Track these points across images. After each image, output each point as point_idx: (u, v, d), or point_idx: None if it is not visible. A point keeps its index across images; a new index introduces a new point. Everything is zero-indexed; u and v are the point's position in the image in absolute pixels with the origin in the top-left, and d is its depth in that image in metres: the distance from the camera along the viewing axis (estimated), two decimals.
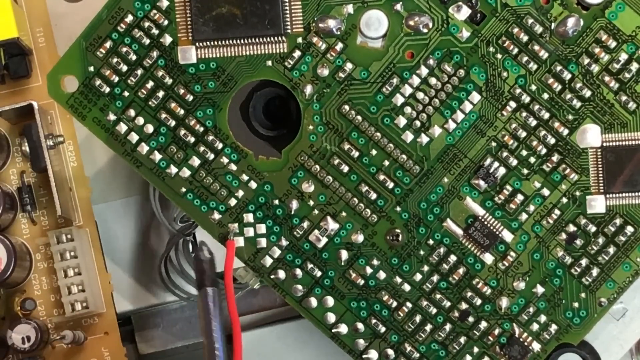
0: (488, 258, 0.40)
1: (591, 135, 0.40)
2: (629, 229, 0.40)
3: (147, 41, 0.40)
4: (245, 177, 0.40)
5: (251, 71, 0.40)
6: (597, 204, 0.40)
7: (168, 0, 0.39)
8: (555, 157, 0.40)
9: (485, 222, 0.40)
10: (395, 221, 0.40)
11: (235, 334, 0.39)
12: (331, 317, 0.41)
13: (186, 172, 0.40)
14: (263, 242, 0.41)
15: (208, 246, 0.40)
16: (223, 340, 0.38)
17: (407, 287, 0.41)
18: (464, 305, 0.40)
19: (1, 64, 0.43)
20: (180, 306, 0.48)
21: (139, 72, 0.40)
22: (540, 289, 0.40)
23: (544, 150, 0.40)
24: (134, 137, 0.40)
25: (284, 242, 0.40)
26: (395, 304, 0.41)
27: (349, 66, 0.40)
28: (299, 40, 0.40)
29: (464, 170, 0.40)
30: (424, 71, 0.39)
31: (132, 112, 0.40)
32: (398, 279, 0.40)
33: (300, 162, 0.40)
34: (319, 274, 0.41)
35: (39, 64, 0.44)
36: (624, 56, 0.39)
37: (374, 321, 0.41)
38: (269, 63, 0.40)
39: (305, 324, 0.43)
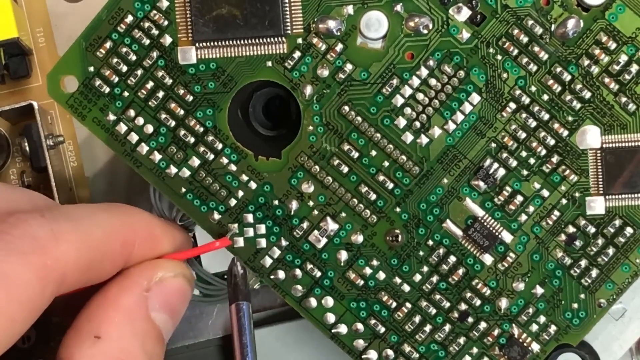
0: (487, 259, 0.40)
1: (591, 137, 0.40)
2: (629, 230, 0.40)
3: (147, 41, 0.40)
4: (245, 178, 0.40)
5: (251, 72, 0.40)
6: (597, 205, 0.40)
7: (168, 0, 0.39)
8: (555, 158, 0.40)
9: (485, 223, 0.40)
10: (395, 222, 0.40)
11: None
12: (331, 318, 0.41)
13: (186, 173, 0.40)
14: (263, 242, 0.41)
15: (241, 261, 0.41)
16: (254, 356, 0.39)
17: (406, 288, 0.41)
18: (463, 306, 0.40)
19: (1, 64, 0.43)
20: None
21: (139, 72, 0.40)
22: (539, 290, 0.40)
23: (543, 152, 0.40)
24: (133, 137, 0.40)
25: (284, 243, 0.41)
26: (394, 304, 0.41)
27: (349, 67, 0.40)
28: (299, 41, 0.40)
29: (463, 171, 0.40)
30: (424, 72, 0.40)
31: (132, 112, 0.40)
32: (397, 280, 0.40)
33: (300, 162, 0.40)
34: (318, 274, 0.41)
35: (39, 64, 0.44)
36: (624, 58, 0.39)
37: (373, 321, 0.41)
38: (269, 64, 0.40)
39: (305, 324, 0.43)
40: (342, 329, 0.41)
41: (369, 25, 0.39)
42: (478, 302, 0.40)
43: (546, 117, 0.40)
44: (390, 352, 0.41)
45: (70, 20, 0.45)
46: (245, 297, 0.41)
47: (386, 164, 0.40)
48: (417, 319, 0.41)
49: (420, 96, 0.40)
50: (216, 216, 0.40)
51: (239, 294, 0.41)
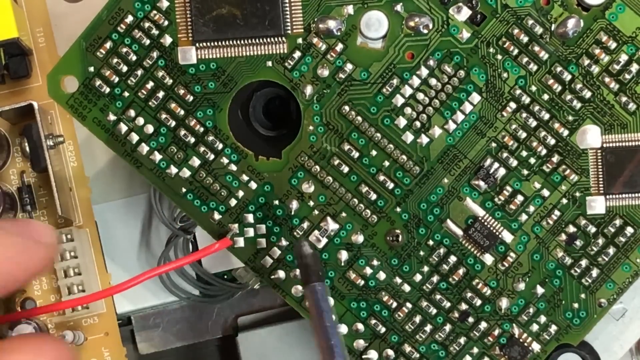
0: (488, 259, 0.40)
1: (591, 136, 0.40)
2: (629, 230, 0.40)
3: (147, 42, 0.40)
4: (245, 178, 0.40)
5: (251, 72, 0.40)
6: (597, 205, 0.40)
7: (168, 0, 0.39)
8: (555, 158, 0.40)
9: (485, 223, 0.40)
10: (395, 222, 0.40)
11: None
12: None
13: (186, 173, 0.40)
14: (263, 242, 0.41)
15: (309, 240, 0.39)
16: (339, 336, 0.37)
17: (407, 288, 0.41)
18: (463, 306, 0.40)
19: (1, 64, 0.43)
20: (180, 306, 0.48)
21: (139, 72, 0.40)
22: (540, 290, 0.40)
23: (544, 151, 0.40)
24: (134, 138, 0.40)
25: (284, 243, 0.40)
26: (395, 304, 0.41)
27: (349, 67, 0.40)
28: (299, 40, 0.40)
29: (464, 171, 0.40)
30: (424, 72, 0.39)
31: (132, 113, 0.40)
32: (398, 280, 0.40)
33: (300, 162, 0.40)
34: None
35: (39, 64, 0.44)
36: (624, 57, 0.39)
37: (373, 322, 0.41)
38: (269, 64, 0.40)
39: (305, 324, 0.43)
40: (343, 329, 0.41)
41: (369, 25, 0.39)
42: (478, 302, 0.40)
43: (546, 116, 0.40)
44: (390, 352, 0.41)
45: (70, 20, 0.45)
46: (318, 278, 0.39)
47: (386, 163, 0.40)
48: (418, 319, 0.41)
49: (420, 96, 0.40)
50: (216, 216, 0.40)
51: (311, 275, 0.39)
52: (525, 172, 0.40)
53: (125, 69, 0.40)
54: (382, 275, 0.40)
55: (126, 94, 0.40)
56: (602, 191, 0.40)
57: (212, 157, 0.40)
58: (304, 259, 0.39)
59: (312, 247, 0.39)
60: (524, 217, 0.40)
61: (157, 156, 0.40)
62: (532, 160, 0.40)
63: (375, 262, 0.40)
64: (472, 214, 0.40)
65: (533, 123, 0.40)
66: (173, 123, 0.40)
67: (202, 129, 0.40)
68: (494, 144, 0.40)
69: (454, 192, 0.40)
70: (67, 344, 0.33)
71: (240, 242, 0.41)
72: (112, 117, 0.40)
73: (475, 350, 0.41)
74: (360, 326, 0.41)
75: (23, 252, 0.31)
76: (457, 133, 0.40)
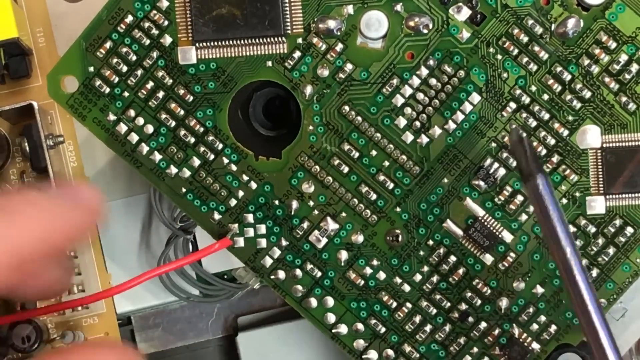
0: (488, 259, 0.40)
1: (591, 136, 0.40)
2: (629, 230, 0.40)
3: (147, 42, 0.40)
4: (245, 178, 0.40)
5: (251, 72, 0.40)
6: (597, 205, 0.40)
7: (168, 0, 0.39)
8: (555, 158, 0.40)
9: (485, 223, 0.40)
10: (395, 222, 0.40)
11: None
12: (331, 318, 0.41)
13: (186, 173, 0.40)
14: (263, 242, 0.41)
15: (517, 128, 0.35)
16: (569, 232, 0.33)
17: (407, 288, 0.41)
18: (463, 306, 0.40)
19: (1, 64, 0.43)
20: (180, 306, 0.48)
21: (139, 72, 0.40)
22: (540, 290, 0.40)
23: (544, 151, 0.40)
24: (134, 138, 0.40)
25: (284, 243, 0.40)
26: (395, 304, 0.41)
27: (349, 67, 0.40)
28: (299, 40, 0.40)
29: (464, 171, 0.40)
30: (424, 72, 0.39)
31: (132, 113, 0.40)
32: (398, 280, 0.40)
33: (300, 162, 0.40)
34: (319, 274, 0.41)
35: (39, 64, 0.44)
36: (624, 57, 0.39)
37: (373, 321, 0.41)
38: (269, 63, 0.40)
39: (305, 324, 0.43)
40: (343, 329, 0.41)
41: (369, 25, 0.39)
42: (478, 302, 0.40)
43: (546, 116, 0.40)
44: (390, 352, 0.41)
45: (70, 20, 0.45)
46: (538, 167, 0.34)
47: (386, 163, 0.40)
48: (418, 319, 0.41)
49: (420, 96, 0.40)
50: (216, 216, 0.40)
51: (528, 165, 0.34)
52: None
53: (125, 69, 0.40)
54: (382, 275, 0.40)
55: (126, 94, 0.40)
56: (602, 191, 0.40)
57: (212, 157, 0.40)
58: (518, 146, 0.33)
59: (519, 131, 0.34)
60: (524, 217, 0.40)
61: (157, 156, 0.40)
62: None
63: (375, 262, 0.40)
64: (472, 214, 0.40)
65: (533, 123, 0.40)
66: (173, 123, 0.40)
67: (202, 129, 0.40)
68: (494, 144, 0.40)
69: (454, 192, 0.40)
70: (130, 349, 0.33)
71: (240, 242, 0.41)
72: (112, 117, 0.40)
73: (475, 350, 0.41)
74: (360, 326, 0.41)
75: (63, 216, 0.31)
76: (457, 133, 0.40)
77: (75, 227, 0.31)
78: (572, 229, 0.40)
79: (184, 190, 0.40)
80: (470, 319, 0.41)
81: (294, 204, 0.40)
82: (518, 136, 0.35)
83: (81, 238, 0.33)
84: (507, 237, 0.40)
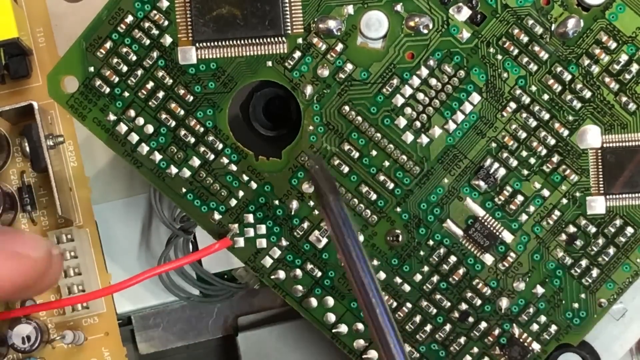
0: (488, 259, 0.40)
1: (591, 136, 0.40)
2: (629, 230, 0.40)
3: (147, 42, 0.40)
4: (245, 178, 0.40)
5: (251, 72, 0.40)
6: (597, 205, 0.40)
7: (168, 0, 0.39)
8: (556, 158, 0.40)
9: (486, 223, 0.40)
10: (395, 222, 0.40)
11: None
12: (331, 317, 0.41)
13: (186, 173, 0.40)
14: (263, 242, 0.41)
15: (310, 154, 0.38)
16: (361, 250, 0.34)
17: (407, 288, 0.41)
18: (464, 306, 0.40)
19: (1, 64, 0.43)
20: (180, 306, 0.48)
21: (139, 72, 0.40)
22: (540, 290, 0.40)
23: (544, 151, 0.40)
24: (134, 138, 0.40)
25: (284, 243, 0.40)
26: (395, 304, 0.41)
27: (349, 67, 0.40)
28: (299, 41, 0.40)
29: (464, 171, 0.40)
30: (424, 72, 0.39)
31: (132, 113, 0.40)
32: (398, 280, 0.40)
33: (300, 162, 0.40)
34: (319, 274, 0.41)
35: (39, 64, 0.44)
36: (624, 57, 0.39)
37: None
38: (269, 64, 0.40)
39: (305, 324, 0.43)
40: (343, 328, 0.41)
41: (369, 25, 0.39)
42: (479, 302, 0.40)
43: (546, 116, 0.40)
44: None
45: (70, 20, 0.45)
46: (331, 191, 0.35)
47: (386, 163, 0.40)
48: (418, 318, 0.41)
49: (420, 96, 0.40)
50: (216, 216, 0.40)
51: (325, 194, 0.35)
52: (526, 172, 0.40)
53: (125, 69, 0.40)
54: (382, 275, 0.40)
55: (126, 94, 0.40)
56: (602, 191, 0.40)
57: (212, 157, 0.40)
58: (312, 173, 0.36)
59: (315, 159, 0.38)
60: (524, 217, 0.40)
61: (157, 156, 0.40)
62: (532, 160, 0.40)
63: (375, 262, 0.40)
64: (472, 214, 0.40)
65: (533, 123, 0.40)
66: (173, 123, 0.40)
67: (202, 129, 0.40)
68: (494, 144, 0.40)
69: (454, 192, 0.40)
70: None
71: (240, 242, 0.41)
72: (112, 117, 0.40)
73: (476, 350, 0.41)
74: (360, 326, 0.41)
75: (3, 265, 0.31)
76: (457, 133, 0.40)
77: (18, 280, 0.31)
78: (572, 229, 0.40)
79: (184, 190, 0.40)
80: (471, 319, 0.41)
81: (294, 204, 0.40)
82: (316, 161, 0.38)
83: (31, 285, 0.33)
84: (507, 237, 0.40)
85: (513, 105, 0.40)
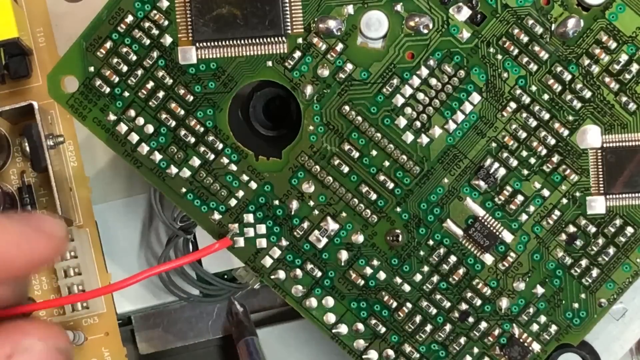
0: (488, 259, 0.40)
1: (591, 136, 0.40)
2: (629, 230, 0.40)
3: (147, 41, 0.40)
4: (245, 178, 0.40)
5: (251, 72, 0.40)
6: (597, 205, 0.40)
7: (168, 0, 0.39)
8: (556, 158, 0.40)
9: (486, 223, 0.40)
10: (395, 222, 0.40)
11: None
12: (331, 318, 0.41)
13: (186, 173, 0.40)
14: (263, 242, 0.41)
15: (237, 299, 0.44)
16: None
17: (407, 288, 0.41)
18: (464, 306, 0.40)
19: (1, 64, 0.43)
20: (180, 306, 0.48)
21: (139, 72, 0.40)
22: (540, 290, 0.40)
23: (544, 151, 0.40)
24: (134, 138, 0.40)
25: (284, 243, 0.40)
26: (395, 304, 0.41)
27: (349, 67, 0.40)
28: (299, 40, 0.40)
29: (464, 171, 0.40)
30: (424, 72, 0.39)
31: (132, 113, 0.40)
32: (398, 280, 0.40)
33: (300, 162, 0.40)
34: (319, 274, 0.41)
35: (39, 64, 0.44)
36: (624, 57, 0.39)
37: (374, 321, 0.41)
38: (269, 63, 0.40)
39: (305, 324, 0.43)
40: (343, 329, 0.41)
41: (369, 25, 0.39)
42: (479, 302, 0.40)
43: (547, 116, 0.40)
44: (390, 352, 0.41)
45: (70, 20, 0.45)
46: (251, 333, 0.44)
47: (387, 163, 0.40)
48: (418, 319, 0.41)
49: (420, 96, 0.40)
50: (216, 216, 0.40)
51: (244, 330, 0.44)
52: (526, 172, 0.40)
53: (125, 68, 0.40)
54: (382, 275, 0.40)
55: (126, 93, 0.40)
56: (602, 191, 0.40)
57: (212, 157, 0.40)
58: (237, 316, 0.44)
59: (242, 305, 0.45)
60: (524, 217, 0.40)
61: (157, 156, 0.40)
62: (532, 160, 0.40)
63: (375, 262, 0.40)
64: (472, 214, 0.40)
65: (533, 123, 0.40)
66: (173, 123, 0.40)
67: (202, 129, 0.40)
68: (494, 144, 0.40)
69: (454, 192, 0.40)
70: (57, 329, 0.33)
71: (240, 242, 0.41)
72: (112, 117, 0.40)
73: (476, 350, 0.41)
74: (360, 326, 0.41)
75: (27, 240, 0.31)
76: (457, 133, 0.40)
77: (36, 255, 0.32)
78: (572, 229, 0.40)
79: (184, 190, 0.40)
80: (471, 319, 0.41)
81: (294, 204, 0.40)
82: (229, 312, 0.46)
83: (41, 267, 0.33)
84: (507, 237, 0.40)
85: (513, 105, 0.40)
